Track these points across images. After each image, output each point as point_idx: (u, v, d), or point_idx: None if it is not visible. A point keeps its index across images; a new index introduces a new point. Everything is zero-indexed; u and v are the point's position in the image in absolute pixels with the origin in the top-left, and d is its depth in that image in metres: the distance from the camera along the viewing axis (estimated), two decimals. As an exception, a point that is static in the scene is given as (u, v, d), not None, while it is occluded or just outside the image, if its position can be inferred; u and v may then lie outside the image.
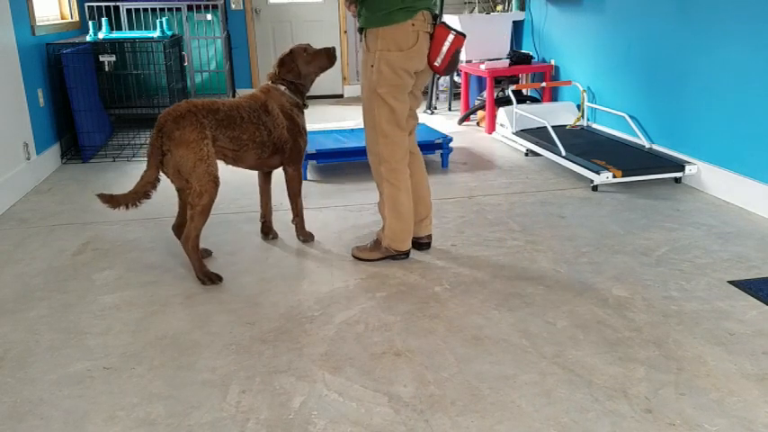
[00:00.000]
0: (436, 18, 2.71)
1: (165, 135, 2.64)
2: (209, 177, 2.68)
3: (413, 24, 2.63)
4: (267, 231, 3.24)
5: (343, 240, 3.25)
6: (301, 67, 3.00)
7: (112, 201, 2.74)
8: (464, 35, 2.69)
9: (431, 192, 3.03)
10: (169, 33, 5.40)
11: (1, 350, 2.31)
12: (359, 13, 2.71)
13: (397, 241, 2.89)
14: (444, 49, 2.67)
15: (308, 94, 3.10)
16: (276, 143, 2.92)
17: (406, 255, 2.95)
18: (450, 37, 2.66)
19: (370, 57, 2.69)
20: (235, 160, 2.89)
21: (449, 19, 5.25)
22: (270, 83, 3.00)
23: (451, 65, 2.73)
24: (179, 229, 2.92)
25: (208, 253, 3.05)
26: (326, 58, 3.04)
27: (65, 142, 4.88)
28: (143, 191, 2.71)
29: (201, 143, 2.64)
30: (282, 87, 2.98)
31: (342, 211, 3.71)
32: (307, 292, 2.72)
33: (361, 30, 2.76)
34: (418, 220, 2.98)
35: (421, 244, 3.04)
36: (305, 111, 3.10)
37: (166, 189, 4.15)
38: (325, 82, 7.62)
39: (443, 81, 7.06)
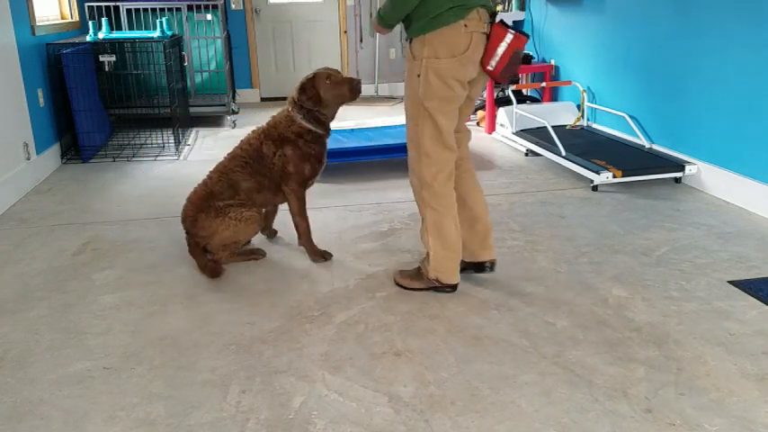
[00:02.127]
0: (494, 16, 2.39)
1: (195, 236, 2.89)
2: (251, 231, 2.92)
3: (465, 25, 2.30)
4: (265, 227, 3.26)
5: (343, 240, 3.25)
6: (323, 94, 2.82)
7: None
8: (527, 35, 2.38)
9: (488, 210, 2.70)
10: (169, 33, 5.39)
11: (1, 350, 2.31)
12: (407, 29, 2.41)
13: (446, 273, 2.57)
14: (500, 50, 2.35)
15: None
16: (276, 179, 2.93)
17: (453, 288, 2.62)
18: (509, 37, 2.34)
19: (416, 65, 2.36)
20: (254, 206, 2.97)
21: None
22: (289, 109, 2.89)
23: (509, 68, 2.39)
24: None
25: (261, 253, 3.08)
26: (349, 90, 2.82)
27: (65, 142, 4.88)
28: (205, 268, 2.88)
29: (225, 224, 2.81)
30: (299, 116, 2.85)
31: (342, 211, 3.71)
32: (307, 292, 2.72)
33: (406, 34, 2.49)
34: (478, 241, 2.66)
35: (482, 267, 2.71)
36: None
37: (165, 189, 4.16)
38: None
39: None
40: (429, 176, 2.46)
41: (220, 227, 2.80)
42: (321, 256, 3.01)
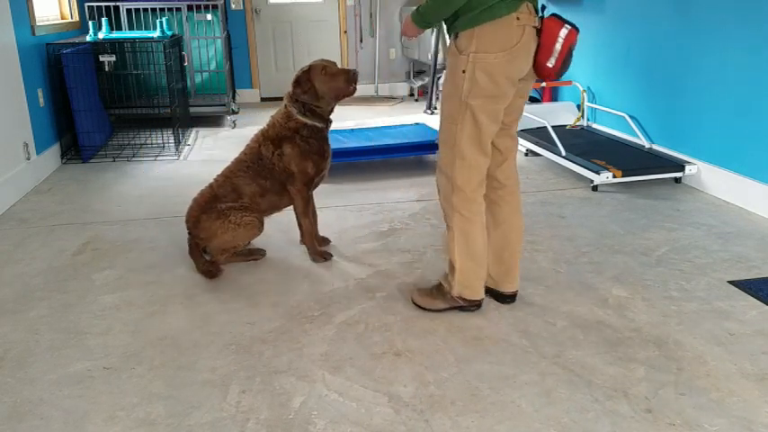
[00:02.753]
0: (537, 12, 2.23)
1: (196, 237, 2.88)
2: (250, 236, 2.91)
3: (518, 18, 2.13)
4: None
5: (343, 240, 3.25)
6: (318, 87, 2.76)
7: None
8: (578, 28, 2.20)
9: (522, 240, 2.50)
10: (169, 33, 5.39)
11: (1, 350, 2.31)
12: (452, 24, 2.22)
13: (471, 288, 2.41)
14: (558, 46, 2.17)
15: None
16: (280, 180, 2.91)
17: (478, 305, 2.47)
18: (564, 31, 2.16)
19: (462, 60, 2.18)
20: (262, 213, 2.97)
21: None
22: (285, 104, 2.85)
23: (565, 67, 2.23)
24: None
25: (261, 253, 3.07)
26: (345, 81, 2.75)
27: (65, 142, 4.88)
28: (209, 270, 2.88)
29: (223, 225, 2.80)
30: (296, 111, 2.81)
31: (342, 211, 3.71)
32: (307, 292, 2.72)
33: (449, 31, 2.30)
34: (504, 271, 2.50)
35: (503, 298, 2.54)
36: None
37: (165, 189, 4.16)
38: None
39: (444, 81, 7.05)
40: (462, 180, 2.29)
41: (220, 230, 2.79)
42: (321, 256, 3.00)
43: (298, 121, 2.81)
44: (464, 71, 2.19)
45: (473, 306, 2.46)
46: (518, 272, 2.53)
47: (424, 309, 2.50)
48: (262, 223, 2.92)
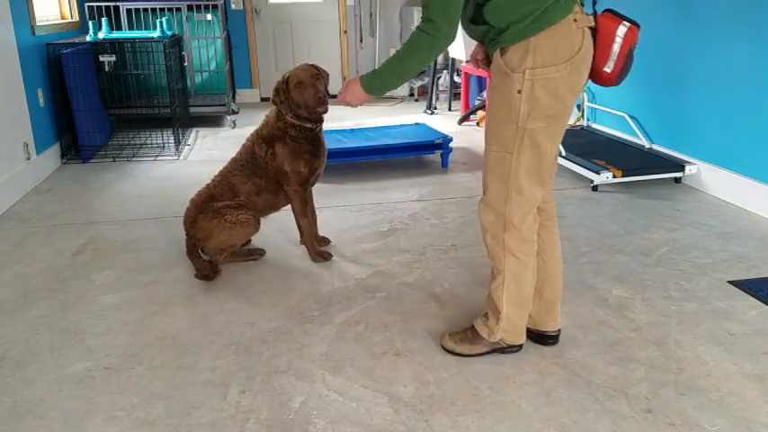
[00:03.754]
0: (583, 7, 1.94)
1: (193, 237, 2.88)
2: (245, 235, 2.90)
3: (575, 20, 1.83)
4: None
5: (343, 240, 3.25)
6: (294, 98, 2.78)
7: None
8: (638, 24, 1.92)
9: (561, 267, 2.23)
10: (169, 33, 5.39)
11: (1, 350, 2.31)
12: (495, 38, 1.89)
13: (514, 332, 2.16)
14: (616, 47, 1.89)
15: None
16: (275, 179, 2.91)
17: (519, 347, 2.23)
18: (622, 29, 1.89)
19: (516, 79, 1.85)
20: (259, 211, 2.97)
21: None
22: (275, 119, 2.87)
23: (625, 71, 1.94)
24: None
25: (261, 253, 3.08)
26: (314, 100, 2.74)
27: (65, 142, 4.88)
28: (205, 271, 2.88)
29: (220, 224, 2.80)
30: (283, 110, 2.83)
31: (342, 211, 3.71)
32: (307, 292, 2.71)
33: (489, 46, 1.95)
34: (546, 308, 2.22)
35: (545, 339, 2.26)
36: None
37: (165, 189, 4.16)
38: (325, 82, 7.66)
39: (444, 81, 7.06)
40: (518, 218, 1.99)
41: (216, 229, 2.79)
42: (321, 256, 3.01)
43: (286, 121, 2.83)
44: (520, 91, 1.86)
45: (514, 349, 2.21)
46: (560, 308, 2.25)
47: (461, 355, 2.20)
48: (258, 221, 2.92)
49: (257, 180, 2.90)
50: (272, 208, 3.03)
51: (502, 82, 1.90)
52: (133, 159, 4.92)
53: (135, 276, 2.89)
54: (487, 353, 2.19)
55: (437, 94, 7.00)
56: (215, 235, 2.80)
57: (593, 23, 1.89)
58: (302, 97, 2.76)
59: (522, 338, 2.19)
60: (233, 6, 7.19)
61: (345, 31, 7.54)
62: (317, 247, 3.05)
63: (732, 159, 3.69)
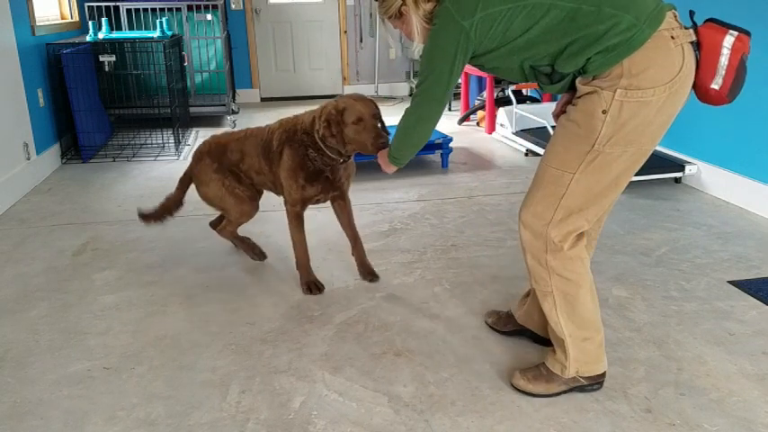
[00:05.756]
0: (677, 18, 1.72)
1: (191, 171, 2.89)
2: (235, 208, 2.84)
3: (672, 37, 1.64)
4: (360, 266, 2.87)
5: (343, 240, 3.24)
6: (347, 135, 2.42)
7: (145, 219, 3.02)
8: (748, 32, 1.72)
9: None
10: (169, 33, 5.39)
11: (1, 350, 2.31)
12: (585, 68, 1.69)
13: (590, 362, 1.94)
14: (723, 60, 1.68)
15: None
16: (274, 176, 2.75)
17: (602, 381, 1.99)
18: (729, 39, 1.68)
19: (604, 97, 1.65)
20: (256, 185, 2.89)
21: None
22: (313, 119, 2.53)
23: (737, 86, 1.73)
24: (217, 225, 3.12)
25: (261, 255, 3.05)
26: (372, 145, 2.38)
27: (65, 142, 4.88)
28: (166, 208, 2.99)
29: (217, 182, 2.79)
30: (317, 136, 2.49)
31: (342, 211, 3.71)
32: (307, 292, 2.72)
33: (573, 77, 1.75)
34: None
35: (549, 341, 2.06)
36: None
37: (165, 189, 4.16)
38: (325, 82, 7.66)
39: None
40: (559, 237, 1.82)
41: (211, 183, 2.79)
42: (308, 288, 2.69)
43: (314, 139, 2.51)
44: (605, 111, 1.66)
45: (597, 383, 1.98)
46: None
47: (538, 395, 1.98)
48: (254, 206, 2.86)
49: (263, 163, 2.71)
50: (267, 187, 2.89)
51: (587, 99, 1.70)
52: (133, 159, 4.92)
53: (135, 276, 2.89)
54: (566, 392, 1.97)
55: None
56: (209, 187, 2.81)
57: (694, 38, 1.69)
58: (359, 136, 2.40)
59: (601, 367, 1.96)
60: (233, 6, 7.19)
61: (345, 31, 7.54)
62: (308, 275, 2.73)
63: (732, 159, 3.69)
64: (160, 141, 5.25)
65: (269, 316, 2.52)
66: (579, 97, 1.74)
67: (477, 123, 6.02)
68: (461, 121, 6.08)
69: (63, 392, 2.05)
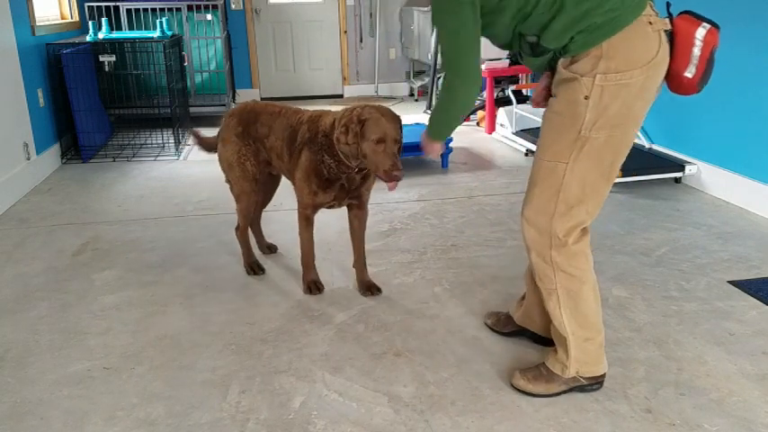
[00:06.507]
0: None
1: (221, 126, 2.81)
2: (238, 182, 2.77)
3: (650, 23, 1.71)
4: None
5: (343, 240, 3.24)
6: (363, 148, 2.28)
7: (196, 136, 3.04)
8: (717, 25, 1.79)
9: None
10: (169, 33, 5.39)
11: (1, 350, 2.31)
12: (561, 54, 1.78)
13: (589, 362, 1.95)
14: (696, 51, 1.74)
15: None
16: (292, 176, 2.66)
17: (602, 381, 2.00)
18: (701, 31, 1.75)
19: (584, 84, 1.71)
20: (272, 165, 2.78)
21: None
22: (333, 122, 2.40)
23: (706, 77, 1.80)
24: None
25: (273, 249, 3.07)
26: (385, 172, 2.27)
27: (65, 142, 4.88)
28: (208, 142, 2.97)
29: (233, 146, 2.72)
30: (332, 121, 2.41)
31: (342, 210, 3.69)
32: (307, 292, 2.72)
33: (553, 55, 1.81)
34: (545, 310, 2.02)
35: (550, 340, 2.09)
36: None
37: (165, 189, 4.16)
38: (325, 82, 7.66)
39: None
40: (563, 231, 1.84)
41: (228, 144, 2.72)
42: (308, 287, 2.69)
43: (331, 144, 2.39)
44: (587, 97, 1.72)
45: (596, 384, 1.99)
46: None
47: (537, 395, 1.99)
48: (257, 184, 2.77)
49: (285, 151, 2.60)
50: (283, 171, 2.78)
51: (567, 87, 1.76)
52: (133, 159, 4.92)
53: (135, 276, 2.89)
54: (566, 392, 1.98)
55: (437, 94, 7.00)
56: (225, 148, 2.75)
57: (669, 27, 1.76)
58: (375, 157, 2.27)
59: (602, 368, 1.97)
60: (233, 6, 7.19)
61: (345, 31, 7.54)
62: (311, 276, 2.71)
63: (732, 159, 3.69)
64: (160, 141, 5.25)
65: (269, 316, 2.51)
66: (559, 85, 1.79)
67: (477, 123, 6.02)
68: (461, 121, 6.07)
69: (63, 392, 2.05)
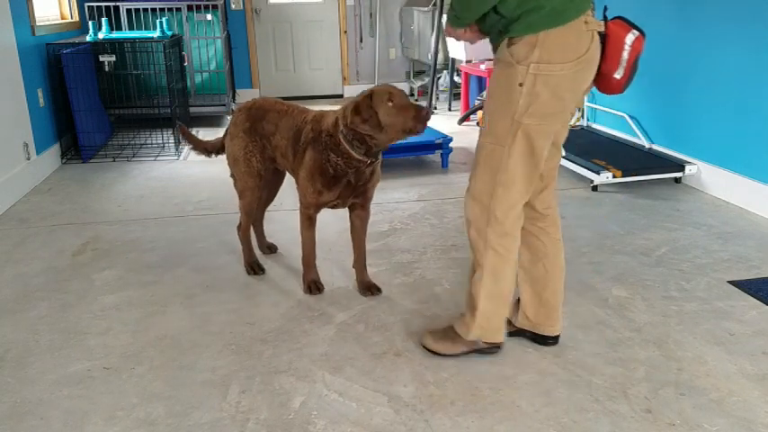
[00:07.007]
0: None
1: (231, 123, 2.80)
2: (242, 178, 2.76)
3: (586, 22, 1.85)
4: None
5: (343, 240, 3.24)
6: (382, 118, 2.27)
7: (184, 133, 3.10)
8: (644, 33, 1.95)
9: (564, 273, 2.23)
10: (169, 33, 5.39)
11: (1, 350, 2.31)
12: (505, 28, 1.88)
13: (492, 330, 2.13)
14: (625, 54, 1.91)
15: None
16: (295, 174, 2.64)
17: (499, 347, 2.20)
18: (631, 37, 1.91)
19: (519, 72, 1.85)
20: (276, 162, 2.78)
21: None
22: (338, 120, 2.40)
23: (631, 79, 1.99)
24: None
25: (273, 249, 3.07)
26: (414, 119, 2.26)
27: (65, 142, 4.88)
28: (204, 144, 3.00)
29: (240, 141, 2.71)
30: (341, 137, 2.37)
31: (342, 210, 3.70)
32: (307, 292, 2.72)
33: (496, 36, 1.94)
34: (545, 313, 2.21)
35: (544, 341, 2.25)
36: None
37: (165, 189, 4.16)
38: (325, 82, 7.67)
39: (444, 81, 7.06)
40: (501, 212, 1.98)
41: (235, 140, 2.72)
42: (308, 287, 2.70)
43: (336, 140, 2.39)
44: (521, 84, 1.85)
45: (494, 348, 2.18)
46: (560, 313, 2.24)
47: (441, 354, 2.18)
48: (261, 181, 2.76)
49: (290, 150, 2.60)
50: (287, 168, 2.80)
51: (505, 72, 1.90)
52: (133, 159, 4.92)
53: (135, 276, 2.89)
54: (467, 353, 2.17)
55: (437, 94, 7.00)
56: (233, 143, 2.74)
57: (602, 28, 1.90)
58: (396, 118, 2.27)
59: (500, 336, 2.16)
60: (233, 6, 7.19)
61: (345, 31, 7.54)
62: (311, 274, 2.72)
63: (732, 159, 3.69)
64: (160, 141, 5.25)
65: (269, 316, 2.52)
66: (498, 63, 1.94)
67: (477, 123, 6.02)
68: (461, 121, 6.08)
69: (63, 392, 2.05)
